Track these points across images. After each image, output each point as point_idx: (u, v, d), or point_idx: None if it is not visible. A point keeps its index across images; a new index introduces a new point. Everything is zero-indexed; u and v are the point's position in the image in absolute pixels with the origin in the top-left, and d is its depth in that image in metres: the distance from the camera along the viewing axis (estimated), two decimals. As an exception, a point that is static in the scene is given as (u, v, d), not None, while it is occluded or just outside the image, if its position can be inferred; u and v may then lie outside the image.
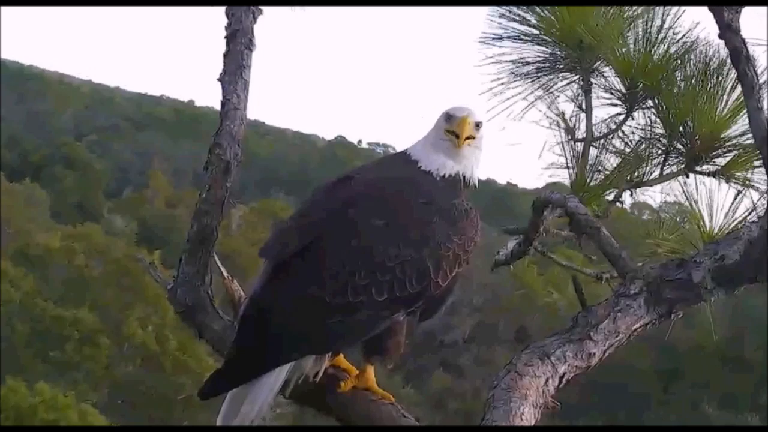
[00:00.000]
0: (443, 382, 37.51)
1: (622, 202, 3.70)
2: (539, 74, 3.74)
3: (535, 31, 3.71)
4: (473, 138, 3.05)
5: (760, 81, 2.69)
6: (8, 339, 28.83)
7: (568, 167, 3.67)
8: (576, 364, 2.82)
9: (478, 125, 3.08)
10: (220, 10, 3.56)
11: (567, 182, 3.67)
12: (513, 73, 3.73)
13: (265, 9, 3.53)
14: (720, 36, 2.68)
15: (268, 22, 3.55)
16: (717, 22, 2.66)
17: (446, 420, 32.17)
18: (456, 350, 40.95)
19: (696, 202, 3.52)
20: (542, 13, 3.69)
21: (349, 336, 2.92)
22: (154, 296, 29.66)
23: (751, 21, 2.76)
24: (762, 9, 2.88)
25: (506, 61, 3.74)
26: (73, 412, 23.24)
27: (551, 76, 3.74)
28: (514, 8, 3.70)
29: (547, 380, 2.76)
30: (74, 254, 34.80)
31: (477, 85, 3.69)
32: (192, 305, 3.30)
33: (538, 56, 3.75)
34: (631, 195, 3.73)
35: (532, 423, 2.67)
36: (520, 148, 3.77)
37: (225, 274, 3.33)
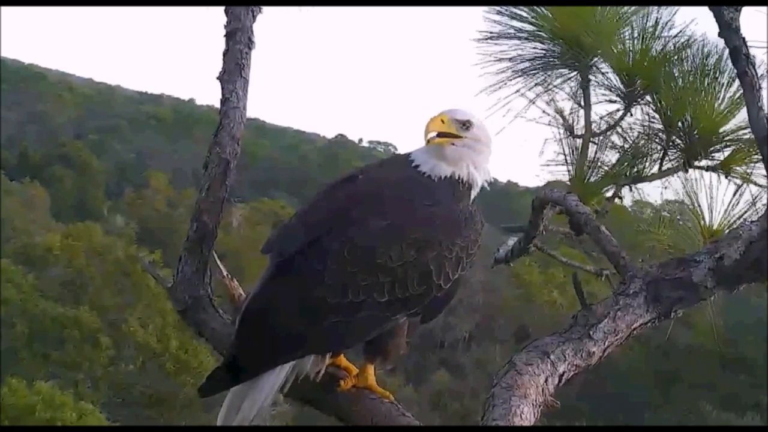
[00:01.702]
0: (443, 382, 37.44)
1: (621, 198, 3.69)
2: (537, 71, 3.72)
3: (532, 28, 3.70)
4: (458, 137, 2.99)
5: (760, 80, 2.69)
6: (8, 338, 28.79)
7: (566, 163, 3.66)
8: (576, 363, 2.81)
9: (465, 125, 3.00)
10: (221, 9, 3.56)
11: (566, 179, 3.66)
12: (511, 70, 3.71)
13: (265, 7, 3.53)
14: (720, 35, 2.67)
15: (268, 20, 3.56)
16: (717, 21, 2.66)
17: (445, 420, 32.11)
18: (456, 350, 40.91)
19: (696, 194, 3.50)
20: (539, 11, 3.67)
21: (350, 336, 2.91)
22: (155, 295, 29.60)
23: (750, 20, 2.76)
24: (760, 9, 2.87)
25: (504, 59, 3.72)
26: (72, 410, 23.18)
27: (549, 73, 3.73)
28: (511, 7, 3.69)
29: (546, 379, 2.75)
30: (74, 253, 34.75)
31: (476, 84, 3.68)
32: (192, 304, 3.31)
33: (536, 53, 3.73)
34: (631, 190, 3.72)
35: (532, 422, 2.66)
36: (520, 146, 3.76)
37: (224, 272, 3.33)
